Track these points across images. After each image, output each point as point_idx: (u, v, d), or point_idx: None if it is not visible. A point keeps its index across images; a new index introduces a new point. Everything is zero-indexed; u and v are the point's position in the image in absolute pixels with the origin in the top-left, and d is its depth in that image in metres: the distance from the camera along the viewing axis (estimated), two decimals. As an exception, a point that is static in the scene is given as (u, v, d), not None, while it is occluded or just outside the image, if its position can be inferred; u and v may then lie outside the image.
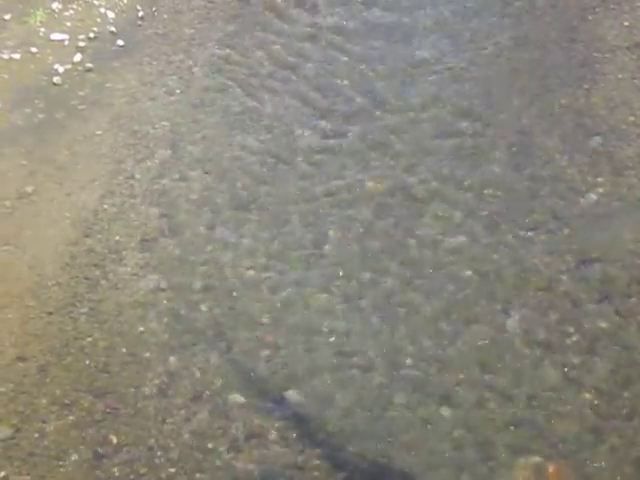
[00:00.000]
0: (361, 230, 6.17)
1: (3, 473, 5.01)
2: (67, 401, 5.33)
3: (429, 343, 5.46)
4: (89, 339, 5.63)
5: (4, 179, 6.67)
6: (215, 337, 5.61)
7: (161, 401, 5.31)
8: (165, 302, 5.82)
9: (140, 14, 8.20)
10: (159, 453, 5.07)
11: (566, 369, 5.25)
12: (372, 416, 5.16)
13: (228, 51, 7.72)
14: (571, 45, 7.34)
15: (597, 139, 6.54)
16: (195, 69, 7.55)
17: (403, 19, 7.90)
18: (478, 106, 6.95)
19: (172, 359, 5.51)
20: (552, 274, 5.75)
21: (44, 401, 5.34)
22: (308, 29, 7.89)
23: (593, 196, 6.18)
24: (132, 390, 5.38)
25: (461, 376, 5.29)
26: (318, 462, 4.97)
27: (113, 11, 8.29)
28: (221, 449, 5.07)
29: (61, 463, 5.04)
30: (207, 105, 7.21)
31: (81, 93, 7.40)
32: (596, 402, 5.09)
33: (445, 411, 5.14)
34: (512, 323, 5.52)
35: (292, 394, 5.27)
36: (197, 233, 6.24)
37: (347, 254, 6.03)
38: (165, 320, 5.72)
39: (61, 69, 7.62)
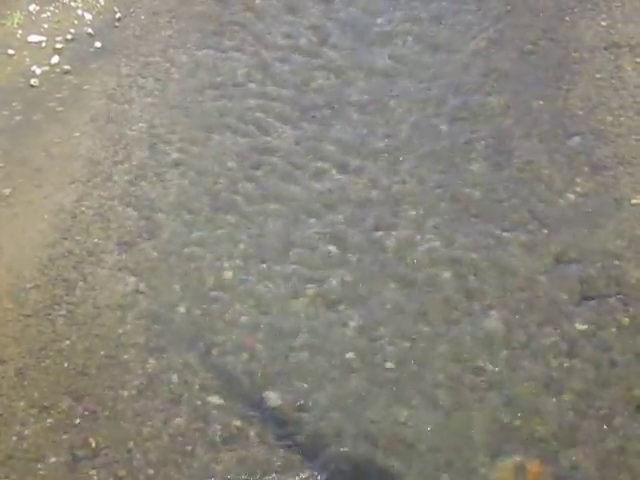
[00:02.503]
0: (338, 230, 6.19)
1: (-20, 476, 5.00)
2: (45, 404, 5.31)
3: (408, 344, 5.47)
4: (67, 342, 5.61)
5: (-19, 181, 6.64)
6: (194, 339, 5.60)
7: (140, 403, 5.29)
8: (144, 304, 5.80)
9: (117, 16, 8.15)
10: (138, 456, 5.05)
11: (546, 370, 5.27)
12: (352, 417, 5.15)
13: (206, 52, 7.69)
14: (549, 45, 7.36)
15: (576, 139, 6.56)
16: (172, 70, 7.52)
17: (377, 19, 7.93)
18: (455, 107, 6.96)
19: (151, 361, 5.49)
20: (531, 275, 5.77)
21: (22, 404, 5.31)
22: (287, 29, 7.88)
23: (572, 196, 6.20)
24: (111, 393, 5.35)
25: (441, 377, 5.30)
26: (298, 463, 4.96)
27: (90, 13, 8.23)
28: (200, 451, 5.06)
29: (40, 466, 5.02)
30: (185, 107, 7.18)
31: (59, 95, 7.35)
32: (576, 403, 5.11)
33: (425, 412, 5.14)
34: (491, 324, 5.53)
35: (271, 395, 5.28)
36: (175, 235, 6.22)
37: (325, 255, 6.04)
38: (144, 322, 5.70)
39: (38, 71, 7.57)
